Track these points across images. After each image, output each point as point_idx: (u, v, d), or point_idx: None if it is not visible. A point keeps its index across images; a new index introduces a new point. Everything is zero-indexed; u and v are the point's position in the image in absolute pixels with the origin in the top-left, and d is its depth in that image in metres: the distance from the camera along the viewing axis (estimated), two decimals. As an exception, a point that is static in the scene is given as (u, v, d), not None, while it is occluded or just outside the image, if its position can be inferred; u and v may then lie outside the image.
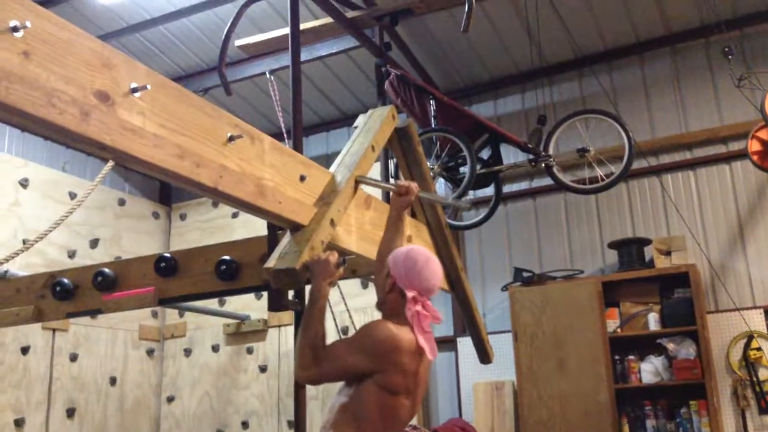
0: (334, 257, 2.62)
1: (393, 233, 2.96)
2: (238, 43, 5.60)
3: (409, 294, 2.49)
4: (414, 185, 3.01)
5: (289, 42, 3.92)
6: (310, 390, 5.94)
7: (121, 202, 6.86)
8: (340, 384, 2.56)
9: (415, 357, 2.47)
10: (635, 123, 5.88)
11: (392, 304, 2.56)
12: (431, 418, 6.17)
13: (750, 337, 5.18)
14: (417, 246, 2.74)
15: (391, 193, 3.07)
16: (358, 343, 2.46)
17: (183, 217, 7.34)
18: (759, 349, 5.15)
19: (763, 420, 5.08)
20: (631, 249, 5.59)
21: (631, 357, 5.34)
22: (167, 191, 7.52)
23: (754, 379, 5.11)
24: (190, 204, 7.32)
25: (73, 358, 6.07)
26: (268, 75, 5.76)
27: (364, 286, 6.04)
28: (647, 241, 5.62)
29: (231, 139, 2.44)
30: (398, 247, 2.85)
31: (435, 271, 2.59)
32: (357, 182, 3.15)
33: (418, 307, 2.49)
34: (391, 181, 3.22)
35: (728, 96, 5.72)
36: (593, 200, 6.07)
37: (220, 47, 4.83)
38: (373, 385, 2.40)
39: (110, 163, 4.82)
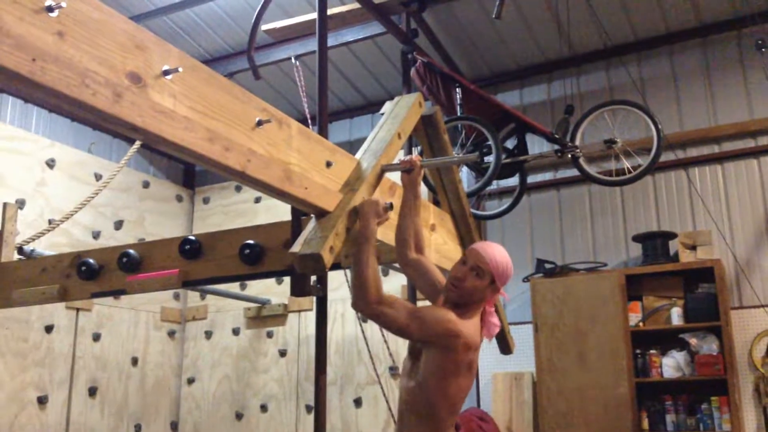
0: (383, 200, 2.74)
1: (414, 218, 2.94)
2: (264, 27, 5.60)
3: (502, 292, 2.69)
4: (416, 157, 3.00)
5: (316, 27, 3.90)
6: (329, 375, 5.96)
7: (146, 185, 6.91)
8: (408, 365, 2.65)
9: (473, 349, 2.57)
10: (663, 115, 5.80)
11: (474, 294, 2.61)
12: (449, 406, 6.17)
13: (775, 334, 5.12)
14: (498, 248, 2.76)
15: (401, 176, 3.05)
16: (424, 315, 2.54)
17: (206, 200, 7.38)
18: (783, 346, 5.09)
19: (784, 418, 5.03)
20: (655, 242, 5.54)
21: (653, 351, 5.30)
22: (191, 174, 7.57)
23: (777, 376, 5.05)
24: (213, 188, 7.36)
25: (96, 337, 6.14)
26: (293, 60, 5.75)
27: (385, 273, 6.04)
28: (672, 235, 5.56)
29: (260, 123, 2.43)
30: (415, 227, 2.91)
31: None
32: (382, 170, 3.14)
33: (491, 317, 2.68)
34: (396, 160, 3.18)
35: (759, 90, 5.63)
36: (618, 192, 6.01)
37: (250, 31, 4.84)
38: (434, 370, 2.50)
39: (135, 145, 4.87)
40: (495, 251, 2.69)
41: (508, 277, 2.68)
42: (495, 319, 2.68)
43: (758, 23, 5.54)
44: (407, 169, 2.97)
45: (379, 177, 3.12)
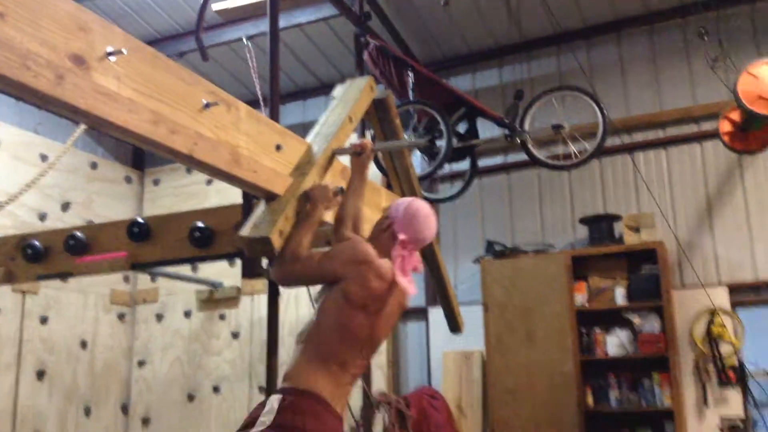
0: (333, 185, 2.82)
1: (355, 201, 2.95)
2: (215, 7, 5.53)
3: (401, 236, 2.63)
4: (367, 141, 3.04)
5: (268, 8, 3.87)
6: (282, 356, 5.98)
7: (93, 166, 6.78)
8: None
9: (383, 281, 2.53)
10: (610, 100, 5.94)
11: (381, 244, 2.67)
12: (401, 385, 6.27)
13: (713, 313, 5.32)
14: (420, 200, 2.83)
15: (350, 159, 3.07)
16: (333, 250, 2.64)
17: (156, 182, 7.28)
18: (722, 325, 5.29)
19: (722, 393, 5.24)
20: (601, 225, 5.69)
21: (598, 330, 5.47)
22: (140, 156, 7.45)
23: (716, 353, 5.26)
24: (163, 170, 7.26)
25: (44, 320, 6.04)
26: (245, 41, 5.69)
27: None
28: (617, 218, 5.72)
29: (207, 106, 2.43)
30: (356, 209, 2.93)
31: (431, 226, 2.73)
32: (333, 154, 3.16)
33: (405, 252, 2.62)
34: (347, 144, 3.21)
35: (702, 76, 5.80)
36: (566, 176, 6.14)
37: (198, 11, 4.77)
38: (335, 292, 2.51)
39: (82, 126, 4.77)
40: (405, 201, 2.77)
41: (409, 226, 2.65)
42: (412, 260, 2.65)
43: (702, 12, 5.70)
44: (358, 153, 3.00)
45: (330, 161, 3.14)
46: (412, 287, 2.62)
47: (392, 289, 2.57)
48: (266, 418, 2.27)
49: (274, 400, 2.33)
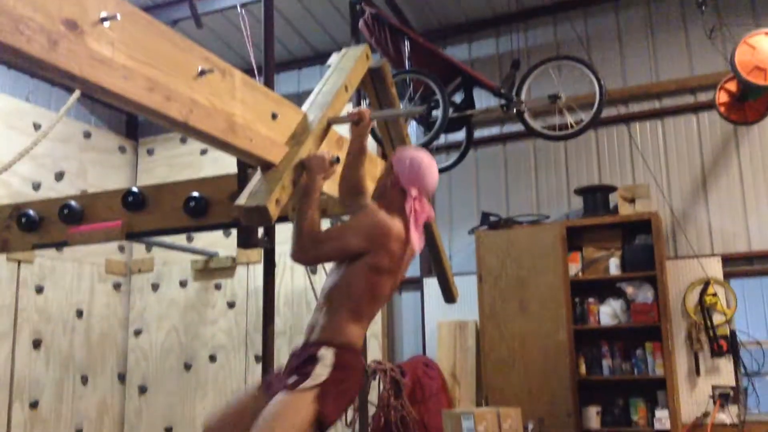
0: (329, 154, 2.82)
1: (354, 170, 2.97)
2: (209, -27, 5.45)
3: (412, 190, 2.70)
4: (365, 109, 3.05)
5: (262, -26, 3.82)
6: (278, 326, 6.02)
7: (87, 135, 6.74)
8: (335, 267, 2.74)
9: (402, 244, 2.68)
10: (607, 71, 5.91)
11: (391, 200, 2.74)
12: (396, 354, 6.32)
13: (706, 283, 5.36)
14: (420, 149, 2.88)
15: (349, 127, 3.07)
16: (354, 226, 2.70)
17: (150, 152, 7.25)
18: (714, 295, 5.33)
19: (714, 362, 5.30)
20: (596, 196, 5.70)
21: (591, 300, 5.50)
22: (134, 125, 7.40)
23: (708, 323, 5.30)
24: (157, 139, 7.22)
25: (39, 290, 6.05)
26: (239, 8, 5.62)
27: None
28: (612, 189, 5.73)
29: (202, 73, 2.41)
30: (359, 181, 2.96)
31: (435, 174, 2.81)
32: (329, 123, 3.15)
33: (417, 204, 2.71)
34: (344, 113, 3.21)
35: (699, 47, 5.77)
36: (562, 147, 6.13)
37: (191, -23, 4.70)
38: (362, 264, 2.61)
39: (75, 94, 4.72)
40: (406, 154, 2.80)
41: (416, 178, 2.72)
42: (423, 210, 2.73)
43: (700, -19, 5.64)
44: (356, 121, 2.99)
45: (326, 130, 3.13)
46: (423, 239, 2.75)
47: (407, 243, 2.70)
48: (324, 371, 2.46)
49: (329, 354, 2.50)
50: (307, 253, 2.65)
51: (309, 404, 2.41)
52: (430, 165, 2.77)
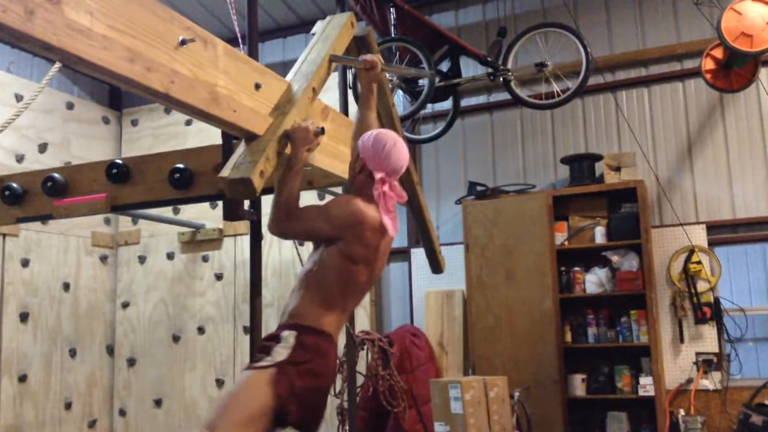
0: (313, 126, 2.76)
1: (365, 111, 3.00)
2: (190, -60, 5.34)
3: (377, 175, 2.62)
4: (378, 58, 3.04)
5: (245, -59, 3.75)
6: (266, 297, 6.03)
7: (70, 106, 6.65)
8: (310, 255, 2.71)
9: (377, 232, 2.62)
10: (594, 38, 5.88)
11: (361, 184, 2.69)
12: (384, 324, 6.36)
13: (691, 251, 5.41)
14: (385, 129, 2.82)
15: (358, 73, 3.07)
16: (327, 210, 2.63)
17: (134, 123, 7.17)
18: (699, 262, 5.39)
19: (698, 329, 5.37)
20: (582, 164, 5.70)
21: (577, 268, 5.55)
22: (117, 95, 7.31)
23: (692, 290, 5.36)
24: (141, 110, 7.14)
25: (25, 263, 6.02)
26: (222, -24, 5.53)
27: (321, 197, 6.05)
28: (598, 157, 5.73)
29: (183, 42, 2.37)
30: (371, 123, 2.95)
31: (401, 152, 2.69)
32: (331, 60, 3.19)
33: (385, 188, 2.63)
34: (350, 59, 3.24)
35: (686, 13, 5.75)
36: (548, 115, 6.12)
37: (172, -56, 4.60)
38: (336, 251, 2.56)
39: (57, 65, 4.65)
40: (369, 135, 2.72)
41: (381, 160, 2.64)
42: (393, 193, 2.65)
43: (688, -54, 5.60)
44: (367, 68, 3.00)
45: (312, 99, 3.09)
46: (396, 225, 2.66)
47: (384, 233, 2.64)
48: (283, 351, 2.41)
49: (290, 335, 2.45)
50: (278, 226, 2.61)
51: (264, 385, 2.36)
52: (394, 144, 2.66)
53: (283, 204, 2.59)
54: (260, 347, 2.52)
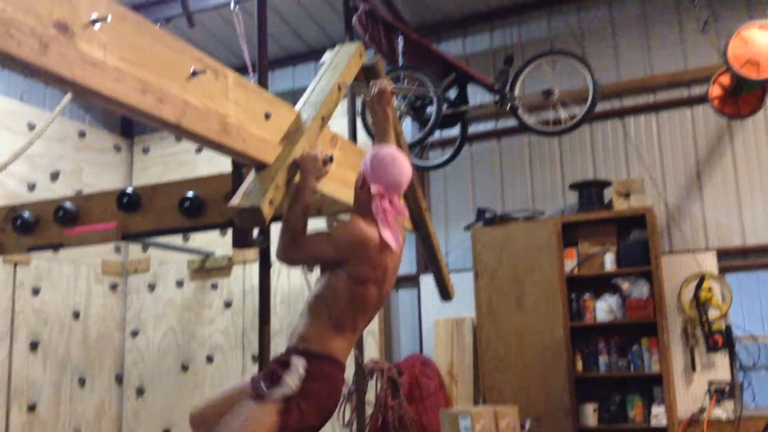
0: (322, 154, 2.79)
1: (381, 132, 2.99)
2: (201, -28, 5.43)
3: (375, 189, 2.64)
4: (386, 82, 3.04)
5: (255, -28, 3.81)
6: (274, 325, 6.02)
7: (82, 134, 6.72)
8: (317, 279, 2.73)
9: (382, 251, 2.62)
10: (601, 65, 5.91)
11: (362, 201, 2.70)
12: (393, 353, 6.32)
13: (702, 278, 5.36)
14: (387, 146, 2.81)
15: (368, 100, 3.08)
16: (330, 236, 2.67)
17: (146, 150, 7.23)
18: (710, 289, 5.34)
19: (710, 357, 5.31)
20: (590, 191, 5.70)
21: (587, 296, 5.51)
22: (129, 124, 7.38)
23: (704, 318, 5.31)
24: (152, 138, 7.20)
25: (36, 291, 6.04)
26: (232, 5, 5.60)
27: (330, 225, 6.06)
28: (607, 184, 5.73)
29: (194, 74, 2.40)
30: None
31: (401, 167, 2.69)
32: (339, 88, 3.28)
33: (385, 204, 2.64)
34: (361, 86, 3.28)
35: (693, 40, 5.77)
36: (556, 142, 6.13)
37: (184, -24, 4.68)
38: (343, 274, 2.58)
39: (69, 94, 4.72)
40: (370, 152, 2.74)
41: (380, 174, 2.65)
42: (392, 209, 2.67)
43: (693, -25, 5.65)
44: (376, 93, 2.99)
45: (320, 128, 3.12)
46: (399, 236, 2.67)
47: (389, 249, 2.65)
48: (293, 382, 2.41)
49: (300, 364, 2.44)
50: (286, 254, 2.64)
51: (273, 415, 2.36)
52: (393, 159, 2.66)
53: (289, 232, 2.62)
54: (268, 373, 2.51)
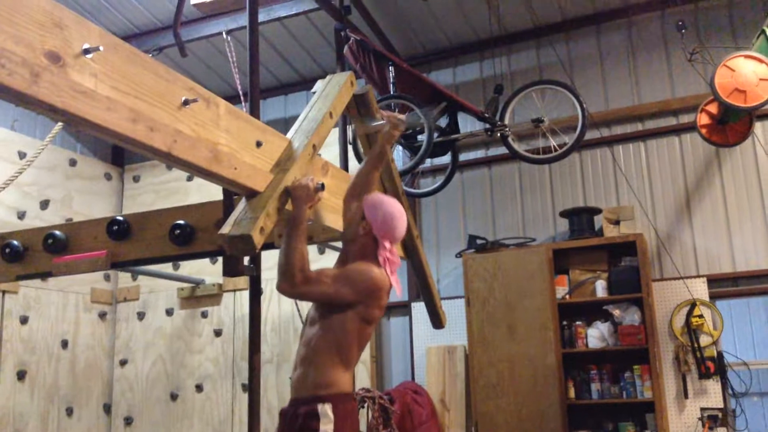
0: (313, 182, 2.83)
1: (372, 170, 3.14)
2: (194, 1, 5.48)
3: (385, 243, 2.81)
4: (401, 121, 3.21)
5: (247, 1, 3.85)
6: (265, 353, 5.98)
7: (72, 163, 6.72)
8: (316, 315, 2.81)
9: (388, 294, 2.83)
10: (590, 94, 5.98)
11: (364, 246, 2.85)
12: (385, 381, 6.28)
13: (693, 304, 5.37)
14: (389, 197, 2.99)
15: (378, 132, 3.27)
16: (348, 278, 2.75)
17: (136, 179, 7.23)
18: (701, 316, 5.35)
19: (702, 384, 5.30)
20: (581, 218, 5.72)
21: (579, 323, 5.50)
22: (120, 152, 7.39)
23: (695, 345, 5.31)
24: (143, 166, 7.20)
25: (24, 320, 5.98)
26: (225, 35, 5.66)
27: (321, 251, 6.06)
28: (597, 211, 5.76)
29: (186, 103, 2.41)
30: (373, 182, 3.12)
31: (404, 223, 2.94)
32: (355, 136, 3.35)
33: (388, 253, 2.81)
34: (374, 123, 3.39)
35: (680, 69, 5.85)
36: (546, 170, 6.17)
37: (176, 6, 4.72)
38: (355, 316, 2.70)
39: (60, 123, 4.72)
40: (377, 203, 2.89)
41: (388, 230, 2.85)
42: (394, 259, 2.87)
43: (679, 4, 5.74)
44: (393, 125, 3.18)
45: (312, 155, 3.13)
46: (399, 286, 2.88)
47: (388, 293, 2.85)
48: (327, 427, 2.54)
49: (328, 408, 2.57)
50: (295, 288, 2.66)
51: None
52: (401, 216, 2.88)
53: (297, 266, 2.64)
54: (301, 428, 2.57)
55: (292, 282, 2.63)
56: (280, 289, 2.67)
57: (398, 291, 2.87)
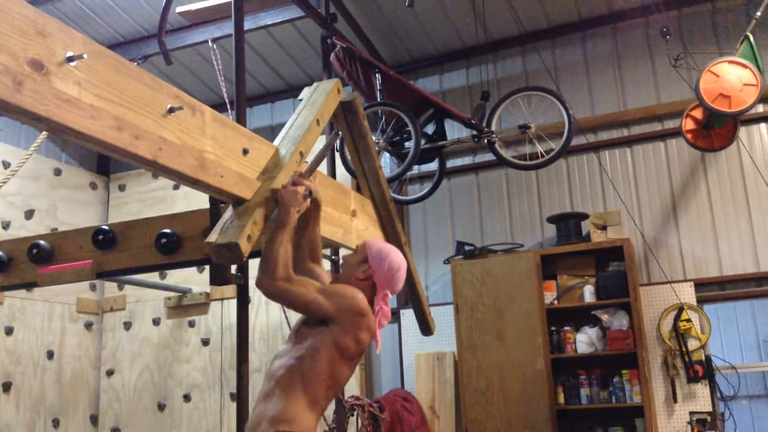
0: (302, 187, 2.73)
1: (315, 228, 2.96)
2: (179, 9, 5.47)
3: (386, 292, 2.73)
4: (306, 180, 2.82)
5: (232, 9, 3.85)
6: (253, 362, 5.94)
7: (57, 172, 6.67)
8: (287, 347, 2.63)
9: (368, 336, 2.64)
10: (576, 100, 6.01)
11: (361, 288, 2.69)
12: (374, 388, 6.26)
13: (680, 309, 5.40)
14: (394, 247, 2.85)
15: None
16: (333, 292, 2.63)
17: (122, 188, 7.18)
18: (688, 320, 5.37)
19: (691, 388, 5.32)
20: (568, 223, 5.74)
21: (567, 328, 5.51)
22: (105, 161, 7.34)
23: (684, 349, 5.33)
24: (129, 175, 7.16)
25: (9, 331, 5.91)
26: (210, 44, 5.64)
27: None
28: (584, 216, 5.78)
29: (171, 110, 2.39)
30: (316, 237, 2.95)
31: (405, 275, 2.82)
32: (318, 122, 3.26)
33: (383, 304, 2.71)
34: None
35: (665, 75, 5.89)
36: (534, 176, 6.18)
37: (161, 14, 4.70)
38: (331, 342, 2.53)
39: (45, 132, 4.69)
40: (383, 253, 2.75)
41: (390, 282, 2.74)
42: (387, 312, 2.76)
43: (663, 11, 5.79)
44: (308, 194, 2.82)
45: (298, 163, 3.12)
46: (380, 341, 2.75)
47: (371, 341, 2.69)
48: None
49: None
50: (275, 282, 2.51)
51: None
52: (403, 268, 2.77)
53: (281, 261, 2.52)
54: None
55: (274, 275, 2.50)
56: (259, 284, 2.54)
57: (378, 347, 2.71)
